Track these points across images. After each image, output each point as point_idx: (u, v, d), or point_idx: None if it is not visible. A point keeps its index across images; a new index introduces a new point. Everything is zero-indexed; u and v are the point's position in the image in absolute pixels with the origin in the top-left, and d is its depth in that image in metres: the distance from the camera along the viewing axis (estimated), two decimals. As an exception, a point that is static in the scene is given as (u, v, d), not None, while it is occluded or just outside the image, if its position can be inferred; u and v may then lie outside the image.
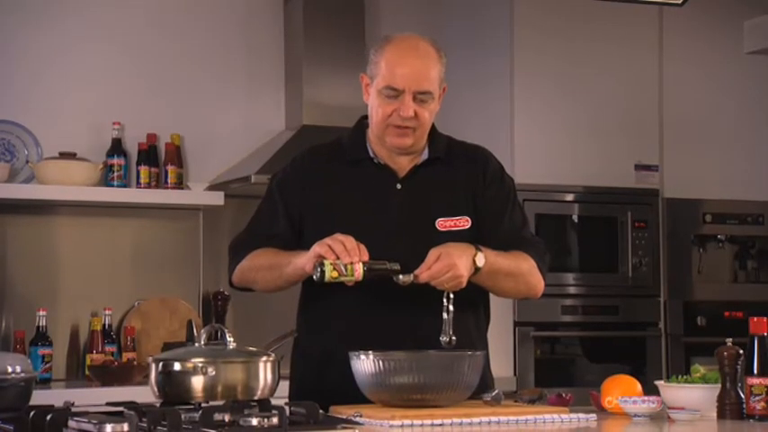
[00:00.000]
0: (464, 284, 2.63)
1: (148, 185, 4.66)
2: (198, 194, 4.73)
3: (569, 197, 4.98)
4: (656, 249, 5.08)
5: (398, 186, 2.82)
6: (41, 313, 4.39)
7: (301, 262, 2.68)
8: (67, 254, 4.63)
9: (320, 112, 4.80)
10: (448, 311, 2.64)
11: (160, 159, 4.73)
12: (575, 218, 5.00)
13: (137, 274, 4.73)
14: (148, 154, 4.69)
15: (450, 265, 2.60)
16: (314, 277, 2.61)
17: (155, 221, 4.77)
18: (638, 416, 2.55)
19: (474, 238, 2.76)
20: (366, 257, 2.59)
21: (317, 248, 2.62)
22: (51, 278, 4.60)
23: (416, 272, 2.61)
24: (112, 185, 4.60)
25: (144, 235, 4.76)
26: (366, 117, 2.91)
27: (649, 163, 5.10)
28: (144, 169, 4.67)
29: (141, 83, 4.80)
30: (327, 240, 2.61)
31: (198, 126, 4.87)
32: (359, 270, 2.58)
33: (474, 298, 2.80)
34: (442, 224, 2.79)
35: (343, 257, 2.58)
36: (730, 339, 2.59)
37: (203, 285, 4.82)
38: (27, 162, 4.55)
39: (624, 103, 5.07)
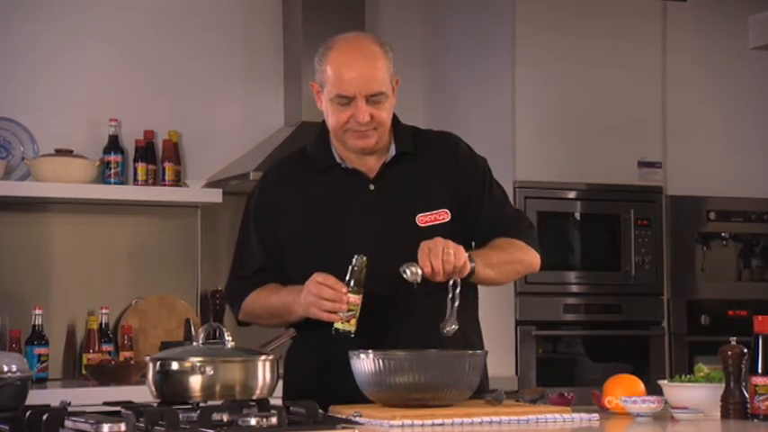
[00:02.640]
0: (466, 261, 2.60)
1: (146, 183, 4.67)
2: (196, 192, 4.73)
3: (571, 194, 4.98)
4: (660, 247, 5.08)
5: (371, 187, 2.80)
6: (37, 312, 4.40)
7: (300, 312, 2.69)
8: (64, 252, 4.64)
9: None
10: (454, 300, 2.60)
11: (158, 156, 4.73)
12: (577, 215, 4.99)
13: (134, 273, 4.73)
14: (146, 151, 4.70)
15: (444, 244, 2.57)
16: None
17: (152, 219, 4.77)
18: (641, 416, 2.55)
19: (456, 229, 2.75)
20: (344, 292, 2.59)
21: (308, 306, 2.62)
22: (47, 276, 4.60)
23: (420, 266, 2.57)
24: (109, 183, 4.61)
25: (141, 233, 4.76)
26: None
27: (652, 160, 5.10)
28: (141, 166, 4.67)
29: (138, 79, 4.80)
30: (311, 299, 2.60)
31: (196, 123, 4.87)
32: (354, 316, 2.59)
33: (466, 293, 2.74)
34: (423, 219, 2.77)
35: (335, 307, 2.58)
36: (734, 338, 2.59)
37: (201, 284, 4.82)
38: (23, 159, 4.56)
39: (627, 99, 5.06)
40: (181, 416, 2.21)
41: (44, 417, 2.27)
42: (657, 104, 5.13)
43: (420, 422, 2.34)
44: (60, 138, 4.58)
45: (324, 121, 2.86)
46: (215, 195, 4.68)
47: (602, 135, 5.01)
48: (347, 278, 2.58)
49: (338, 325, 2.59)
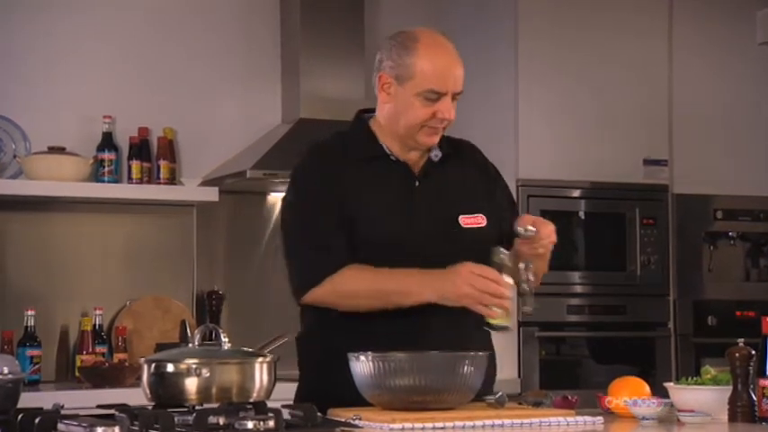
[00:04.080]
0: None
1: (140, 181, 4.67)
2: (191, 190, 4.73)
3: (575, 193, 4.98)
4: (666, 247, 5.08)
5: (417, 183, 2.85)
6: (30, 313, 4.40)
7: (431, 295, 2.67)
8: (57, 251, 4.64)
9: (318, 106, 4.81)
10: (528, 281, 2.69)
11: (152, 154, 4.73)
12: (581, 214, 5.00)
13: (128, 273, 4.73)
14: (140, 148, 4.70)
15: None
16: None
17: (147, 218, 4.77)
18: (647, 418, 2.56)
19: (490, 235, 2.83)
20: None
21: (464, 297, 2.62)
22: (40, 277, 4.60)
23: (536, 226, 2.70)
24: (103, 181, 4.61)
25: (136, 232, 4.76)
26: (364, 111, 2.93)
27: (658, 157, 5.10)
28: (136, 164, 4.67)
29: (133, 75, 4.80)
30: (468, 290, 2.61)
31: (191, 119, 4.87)
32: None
33: None
34: (465, 221, 2.84)
35: (498, 303, 2.60)
36: (742, 340, 2.59)
37: (197, 284, 4.82)
38: (15, 157, 4.56)
39: (633, 95, 5.07)
40: (176, 419, 2.21)
41: (36, 420, 2.27)
42: (664, 101, 5.14)
43: (420, 425, 2.34)
44: (53, 135, 4.58)
45: (360, 111, 2.94)
46: (211, 194, 4.68)
47: (606, 132, 5.01)
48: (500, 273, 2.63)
49: (495, 321, 2.59)
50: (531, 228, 2.69)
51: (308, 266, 2.79)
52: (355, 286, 2.74)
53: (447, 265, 2.68)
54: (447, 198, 2.85)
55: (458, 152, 2.93)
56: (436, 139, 2.83)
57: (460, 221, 2.83)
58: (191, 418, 2.23)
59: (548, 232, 2.72)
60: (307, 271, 2.79)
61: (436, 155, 2.88)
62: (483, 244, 2.74)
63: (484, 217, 2.85)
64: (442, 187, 2.86)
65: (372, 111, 2.93)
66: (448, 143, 2.92)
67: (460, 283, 2.63)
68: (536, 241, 2.71)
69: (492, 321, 2.61)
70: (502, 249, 2.67)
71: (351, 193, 2.80)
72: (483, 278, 2.62)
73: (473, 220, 2.84)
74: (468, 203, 2.86)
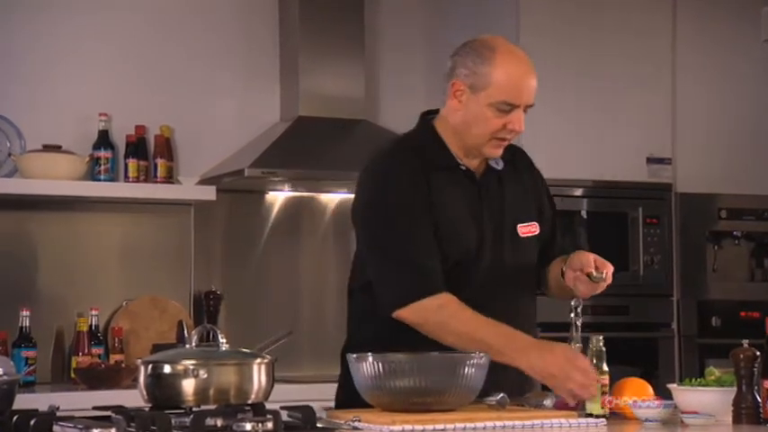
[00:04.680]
0: None
1: (137, 180, 4.66)
2: (189, 189, 4.73)
3: (578, 192, 4.98)
4: (669, 246, 5.07)
5: (481, 193, 2.88)
6: (25, 313, 4.39)
7: (525, 365, 2.70)
8: (52, 251, 4.63)
9: (317, 104, 4.81)
10: (577, 318, 2.78)
11: (149, 152, 4.73)
12: (583, 213, 4.99)
13: (125, 273, 4.73)
14: (137, 146, 4.69)
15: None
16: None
17: (143, 217, 4.77)
18: (650, 420, 2.55)
19: (539, 243, 2.92)
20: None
21: (549, 377, 2.64)
22: (35, 277, 4.60)
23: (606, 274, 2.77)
24: (99, 179, 4.60)
25: (132, 231, 4.76)
26: (428, 113, 2.94)
27: (662, 156, 5.09)
28: (132, 162, 4.67)
29: (129, 72, 4.79)
30: (570, 385, 2.61)
31: (189, 117, 4.87)
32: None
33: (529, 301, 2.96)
34: (522, 229, 2.90)
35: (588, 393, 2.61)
36: (746, 341, 2.59)
37: (194, 284, 4.82)
38: (9, 155, 4.55)
39: (636, 93, 5.06)
40: (173, 421, 2.21)
41: (32, 422, 2.27)
42: (667, 98, 5.13)
43: (421, 427, 2.34)
44: (48, 133, 4.58)
45: (425, 113, 2.94)
46: (209, 193, 4.68)
47: (609, 130, 5.00)
48: (593, 361, 2.66)
49: (594, 410, 2.58)
50: (600, 272, 2.76)
51: (407, 282, 2.75)
52: (456, 326, 2.71)
53: (505, 274, 2.78)
54: (506, 207, 2.90)
55: (512, 160, 2.97)
56: (501, 152, 2.86)
57: (518, 230, 2.89)
58: (188, 420, 2.23)
59: (610, 274, 2.81)
60: (406, 287, 2.75)
61: (498, 163, 2.91)
62: (534, 251, 2.89)
63: (537, 225, 2.93)
64: (501, 196, 2.90)
65: (434, 112, 2.94)
66: (505, 150, 2.93)
67: (551, 364, 2.64)
68: (599, 283, 2.78)
69: (592, 411, 2.60)
70: (601, 339, 2.71)
71: (434, 202, 2.81)
72: (575, 367, 2.61)
73: (528, 229, 2.92)
74: (524, 212, 2.92)
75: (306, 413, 2.33)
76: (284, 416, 2.31)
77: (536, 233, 2.92)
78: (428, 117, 2.95)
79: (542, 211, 2.99)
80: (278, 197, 4.99)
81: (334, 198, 5.05)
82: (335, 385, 2.97)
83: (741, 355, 2.55)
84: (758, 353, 2.55)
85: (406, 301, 2.73)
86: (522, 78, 2.79)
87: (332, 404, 2.84)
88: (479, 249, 2.81)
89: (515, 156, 3.00)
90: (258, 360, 2.42)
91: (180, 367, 2.35)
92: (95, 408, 2.47)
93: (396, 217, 2.78)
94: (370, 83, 5.07)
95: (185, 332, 4.49)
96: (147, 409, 2.38)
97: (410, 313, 2.73)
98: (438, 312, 2.72)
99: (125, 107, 4.74)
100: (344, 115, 4.84)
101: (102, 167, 4.61)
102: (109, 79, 4.75)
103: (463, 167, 2.87)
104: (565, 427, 2.46)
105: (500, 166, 2.92)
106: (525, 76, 2.80)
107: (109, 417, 2.32)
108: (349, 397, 2.70)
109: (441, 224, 2.79)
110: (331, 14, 4.87)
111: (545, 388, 2.77)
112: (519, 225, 2.89)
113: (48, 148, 4.53)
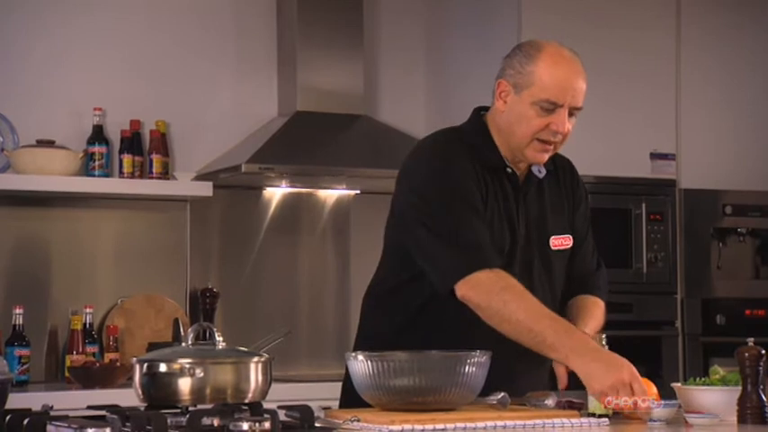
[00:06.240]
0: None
1: (132, 175, 4.66)
2: (185, 185, 4.72)
3: (580, 188, 4.97)
4: (673, 243, 5.08)
5: (519, 197, 2.88)
6: (18, 311, 4.39)
7: (579, 367, 2.62)
8: (45, 248, 4.64)
9: (315, 98, 4.81)
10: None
11: (144, 147, 4.73)
12: (586, 210, 4.99)
13: (120, 270, 4.73)
14: (132, 142, 4.69)
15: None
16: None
17: (139, 214, 4.77)
18: (654, 420, 2.56)
19: (569, 257, 2.93)
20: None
21: (608, 384, 2.54)
22: (28, 274, 4.60)
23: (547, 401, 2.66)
24: (93, 175, 4.60)
25: (127, 228, 4.76)
26: (482, 109, 2.93)
27: (666, 151, 5.10)
28: (127, 158, 4.67)
29: (124, 66, 4.79)
30: (623, 381, 2.54)
31: (185, 112, 4.87)
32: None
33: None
34: (554, 242, 2.90)
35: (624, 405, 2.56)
36: (752, 339, 2.59)
37: (190, 282, 4.82)
38: (2, 150, 4.55)
39: (640, 88, 5.06)
40: (169, 420, 2.21)
41: (25, 421, 2.27)
42: (671, 93, 5.13)
43: (420, 427, 2.34)
44: (42, 128, 4.58)
45: (477, 109, 2.94)
46: (205, 189, 4.68)
47: (612, 125, 5.00)
48: None
49: (596, 410, 2.56)
50: (540, 400, 2.66)
51: (464, 256, 2.72)
52: (516, 313, 2.66)
53: (531, 284, 2.76)
54: (542, 218, 2.90)
55: (556, 169, 2.97)
56: (545, 158, 2.84)
57: (551, 242, 2.89)
58: (184, 420, 2.23)
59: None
60: (463, 261, 2.71)
61: (540, 171, 2.91)
62: (562, 265, 2.90)
63: (571, 238, 2.93)
64: (539, 206, 2.90)
65: (486, 108, 2.94)
66: (549, 160, 2.93)
67: (614, 375, 2.55)
68: None
69: (597, 411, 2.58)
70: (604, 337, 2.72)
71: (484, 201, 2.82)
72: (632, 386, 2.55)
73: (561, 242, 2.92)
74: (560, 225, 2.92)
75: (304, 413, 2.33)
76: (282, 415, 2.31)
77: (568, 247, 2.93)
78: (480, 113, 2.94)
79: (575, 224, 2.98)
80: (275, 193, 4.99)
81: (333, 194, 5.05)
82: (334, 384, 2.97)
83: (746, 354, 2.55)
84: (763, 351, 2.55)
85: (463, 273, 2.69)
86: (565, 77, 2.78)
87: (330, 403, 2.84)
88: (510, 254, 2.82)
89: (560, 166, 3.00)
90: (255, 359, 2.42)
91: (176, 366, 2.35)
92: (90, 407, 2.47)
93: (455, 202, 2.76)
94: (369, 77, 5.07)
95: (181, 330, 4.50)
96: (142, 408, 2.38)
97: (469, 290, 2.69)
98: (500, 294, 2.67)
99: (120, 102, 4.74)
100: (343, 110, 4.84)
101: (97, 163, 4.61)
102: (103, 73, 4.75)
103: (509, 170, 2.87)
104: (567, 427, 2.46)
105: (542, 174, 2.91)
106: (570, 75, 2.79)
107: (104, 416, 2.32)
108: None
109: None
110: (329, 7, 4.87)
111: (552, 388, 2.77)
112: (552, 237, 2.90)
113: (41, 143, 4.53)
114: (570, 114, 2.80)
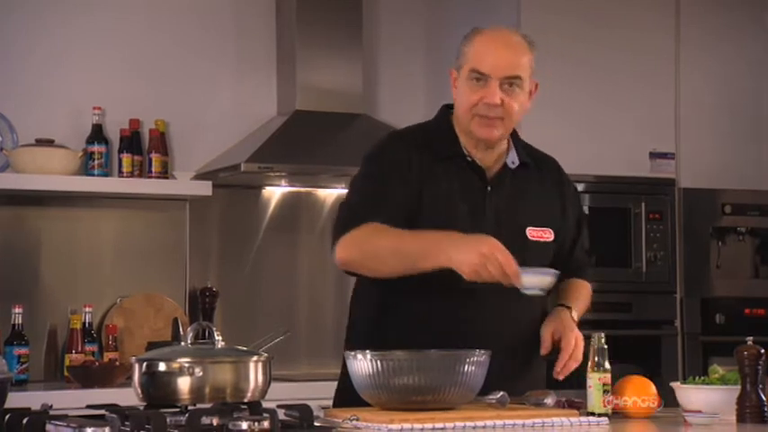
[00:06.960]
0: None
1: (131, 174, 4.66)
2: (184, 184, 4.72)
3: (579, 187, 4.90)
4: (672, 243, 5.08)
5: (489, 189, 2.87)
6: (17, 310, 4.39)
7: (445, 260, 2.61)
8: (45, 247, 4.64)
9: (314, 97, 4.81)
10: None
11: (144, 147, 4.73)
12: (585, 209, 4.98)
13: (119, 269, 4.73)
14: (131, 141, 4.69)
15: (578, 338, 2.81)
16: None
17: (138, 213, 4.77)
18: (527, 288, 2.63)
19: (553, 251, 2.91)
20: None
21: (474, 261, 2.56)
22: (28, 273, 4.60)
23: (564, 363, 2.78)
24: (93, 174, 4.60)
25: (126, 227, 4.76)
26: (449, 106, 2.95)
27: (665, 150, 5.10)
28: (126, 157, 4.67)
29: (123, 65, 4.79)
30: (485, 253, 2.56)
31: (184, 111, 4.87)
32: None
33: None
34: (532, 233, 2.89)
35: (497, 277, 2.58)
36: (751, 338, 2.59)
37: (190, 281, 4.82)
38: (1, 149, 4.55)
39: (639, 87, 5.06)
40: (168, 419, 2.21)
41: (24, 420, 2.27)
42: (670, 92, 5.13)
43: (420, 426, 2.34)
44: (41, 127, 4.58)
45: (444, 106, 2.95)
46: (204, 188, 4.68)
47: (611, 124, 5.00)
48: (595, 359, 2.65)
49: (596, 409, 2.58)
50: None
51: (350, 218, 2.78)
52: (377, 243, 2.73)
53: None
54: (517, 208, 2.89)
55: (538, 165, 2.98)
56: (494, 134, 2.82)
57: (527, 233, 2.88)
58: (183, 419, 2.23)
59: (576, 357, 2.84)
60: (339, 228, 2.78)
61: (513, 162, 2.91)
62: (545, 257, 2.84)
63: (552, 232, 2.91)
64: (513, 196, 2.89)
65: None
66: (529, 153, 2.96)
67: (477, 255, 2.57)
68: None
69: (595, 410, 2.59)
70: (603, 336, 2.70)
71: (421, 185, 2.81)
72: (499, 261, 2.57)
73: (540, 234, 2.89)
74: (538, 216, 2.91)
75: (303, 412, 2.33)
76: (281, 414, 2.32)
77: (548, 240, 2.91)
78: (448, 109, 2.96)
79: (565, 221, 2.98)
80: (275, 192, 4.99)
81: (332, 193, 5.05)
82: (333, 383, 2.97)
83: (745, 353, 2.55)
84: (763, 350, 2.55)
85: (337, 238, 2.76)
86: (491, 48, 2.80)
87: (329, 403, 2.84)
88: None
89: (545, 164, 3.02)
90: (255, 358, 2.42)
91: (175, 365, 2.35)
92: (89, 406, 2.48)
93: (365, 188, 2.84)
94: (368, 76, 5.07)
95: (180, 330, 4.50)
96: (141, 407, 2.38)
97: (343, 249, 2.76)
98: (369, 239, 2.72)
99: (119, 101, 4.74)
100: (342, 109, 4.84)
101: (96, 162, 4.61)
102: (103, 72, 4.75)
103: (469, 159, 2.87)
104: (566, 426, 2.47)
105: (515, 165, 2.92)
106: (496, 47, 2.81)
107: (103, 415, 2.32)
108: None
109: (424, 206, 2.79)
110: (329, 6, 4.87)
111: (548, 387, 2.77)
112: (529, 228, 2.88)
113: (40, 142, 4.53)
114: (509, 88, 2.79)
